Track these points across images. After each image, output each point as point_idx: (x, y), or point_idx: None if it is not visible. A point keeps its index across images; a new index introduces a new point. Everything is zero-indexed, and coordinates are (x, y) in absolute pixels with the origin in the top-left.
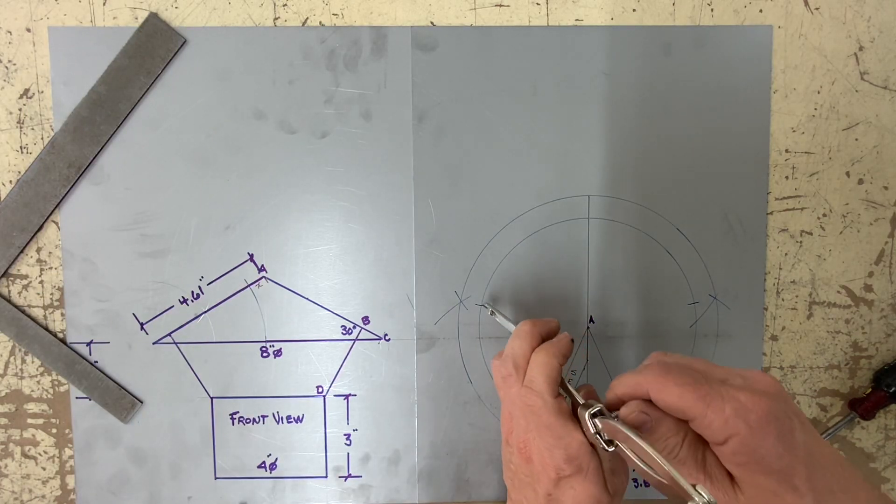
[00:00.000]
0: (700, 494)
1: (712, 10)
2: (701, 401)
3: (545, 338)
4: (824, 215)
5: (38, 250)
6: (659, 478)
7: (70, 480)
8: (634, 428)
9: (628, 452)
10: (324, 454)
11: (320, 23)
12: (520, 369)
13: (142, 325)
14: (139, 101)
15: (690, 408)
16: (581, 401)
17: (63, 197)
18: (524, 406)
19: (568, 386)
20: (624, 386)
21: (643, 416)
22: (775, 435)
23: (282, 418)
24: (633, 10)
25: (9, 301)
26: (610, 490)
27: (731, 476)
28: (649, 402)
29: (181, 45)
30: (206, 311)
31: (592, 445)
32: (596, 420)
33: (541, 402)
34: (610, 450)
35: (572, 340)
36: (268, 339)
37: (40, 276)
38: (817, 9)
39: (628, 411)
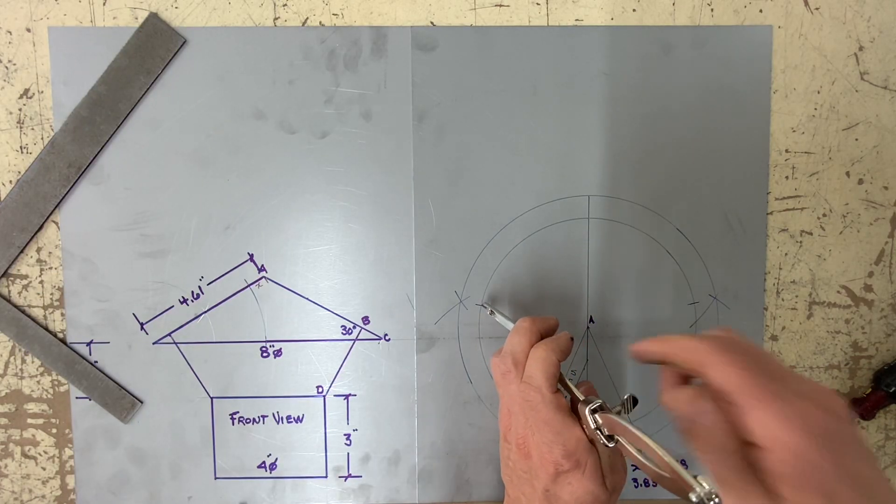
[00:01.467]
0: (701, 485)
1: (712, 10)
2: (758, 388)
3: (544, 335)
4: (824, 215)
5: (38, 250)
6: (659, 471)
7: (70, 480)
8: (691, 419)
9: (628, 447)
10: (324, 454)
11: (320, 23)
12: (519, 365)
13: (142, 325)
14: (139, 101)
15: (744, 397)
16: (581, 397)
17: (63, 197)
18: (523, 402)
19: (567, 382)
20: (671, 345)
21: (703, 404)
22: (828, 452)
23: (282, 418)
24: (633, 10)
25: (9, 301)
26: (608, 486)
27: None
28: (692, 384)
29: (181, 45)
30: (206, 311)
31: (591, 441)
32: (596, 416)
33: (539, 398)
34: (611, 445)
35: (572, 339)
36: (268, 339)
37: (40, 276)
38: (817, 9)
39: (686, 398)
